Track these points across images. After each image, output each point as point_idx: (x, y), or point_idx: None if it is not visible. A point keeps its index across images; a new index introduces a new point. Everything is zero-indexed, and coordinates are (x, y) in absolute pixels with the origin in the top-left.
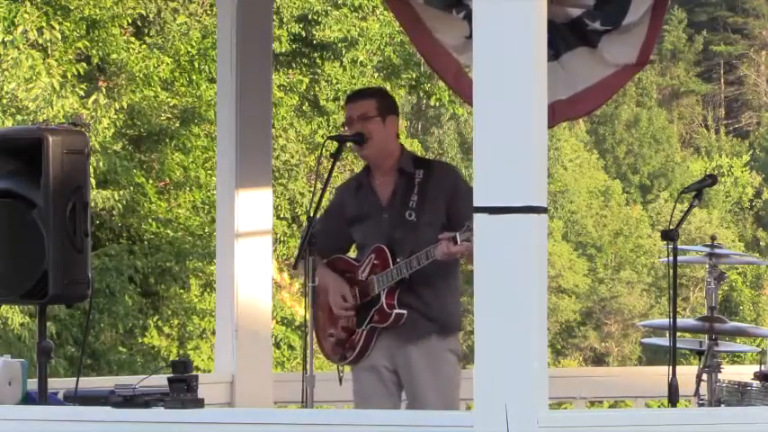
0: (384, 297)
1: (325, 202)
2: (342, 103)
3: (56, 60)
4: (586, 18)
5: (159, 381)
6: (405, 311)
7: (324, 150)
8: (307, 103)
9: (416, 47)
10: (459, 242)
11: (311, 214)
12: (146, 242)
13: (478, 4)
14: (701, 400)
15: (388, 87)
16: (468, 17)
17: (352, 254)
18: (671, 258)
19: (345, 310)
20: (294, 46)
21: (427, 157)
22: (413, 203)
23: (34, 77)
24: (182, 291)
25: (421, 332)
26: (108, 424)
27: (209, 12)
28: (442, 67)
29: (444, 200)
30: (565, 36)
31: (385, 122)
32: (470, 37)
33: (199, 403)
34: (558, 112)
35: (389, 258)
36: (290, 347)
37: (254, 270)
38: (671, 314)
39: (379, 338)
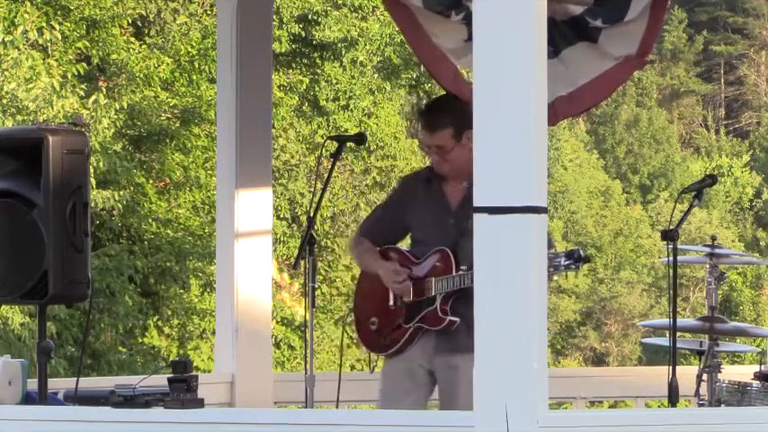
0: (439, 301)
1: (326, 202)
2: (342, 103)
3: (56, 60)
4: (588, 16)
5: (159, 381)
6: (457, 319)
7: (324, 150)
8: (307, 103)
9: (414, 51)
10: None
11: (311, 214)
12: (146, 242)
13: (478, 3)
14: (701, 400)
15: (388, 87)
16: (467, 19)
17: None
18: (671, 258)
19: (402, 280)
20: (294, 46)
21: None
22: None
23: (34, 77)
24: (182, 291)
25: (467, 342)
26: (108, 424)
27: (209, 12)
28: (440, 72)
29: None
30: (564, 33)
31: (461, 141)
32: (469, 40)
33: (199, 403)
34: (560, 110)
35: (453, 264)
36: (290, 347)
37: (254, 270)
38: (671, 314)
39: (422, 338)
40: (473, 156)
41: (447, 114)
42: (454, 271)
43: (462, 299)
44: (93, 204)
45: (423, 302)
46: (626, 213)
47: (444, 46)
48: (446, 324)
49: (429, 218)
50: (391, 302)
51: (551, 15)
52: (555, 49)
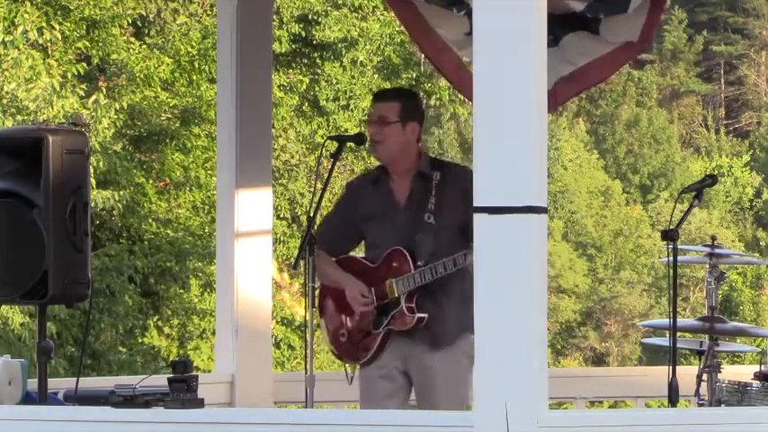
0: (404, 301)
1: (326, 202)
2: (342, 103)
3: (56, 60)
4: (588, 13)
5: (159, 381)
6: (425, 315)
7: (324, 150)
8: (307, 103)
9: (416, 43)
10: None
11: (311, 214)
12: (146, 242)
13: (479, 3)
14: (701, 400)
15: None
16: (469, 15)
17: (360, 252)
18: (671, 258)
19: (366, 305)
20: (294, 46)
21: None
22: (431, 206)
23: (34, 77)
24: (182, 291)
25: (437, 338)
26: (108, 424)
27: (209, 12)
28: (443, 63)
29: (462, 204)
30: (564, 25)
31: (405, 128)
32: (471, 33)
33: (199, 403)
34: (561, 93)
35: (410, 262)
36: (290, 347)
37: (254, 270)
38: (671, 314)
39: (393, 341)
40: (474, 158)
41: (401, 96)
42: (412, 268)
43: (427, 295)
44: (93, 204)
45: (388, 305)
46: (626, 213)
47: (446, 37)
48: (415, 322)
49: (379, 218)
50: (357, 311)
51: (550, 11)
52: (555, 37)
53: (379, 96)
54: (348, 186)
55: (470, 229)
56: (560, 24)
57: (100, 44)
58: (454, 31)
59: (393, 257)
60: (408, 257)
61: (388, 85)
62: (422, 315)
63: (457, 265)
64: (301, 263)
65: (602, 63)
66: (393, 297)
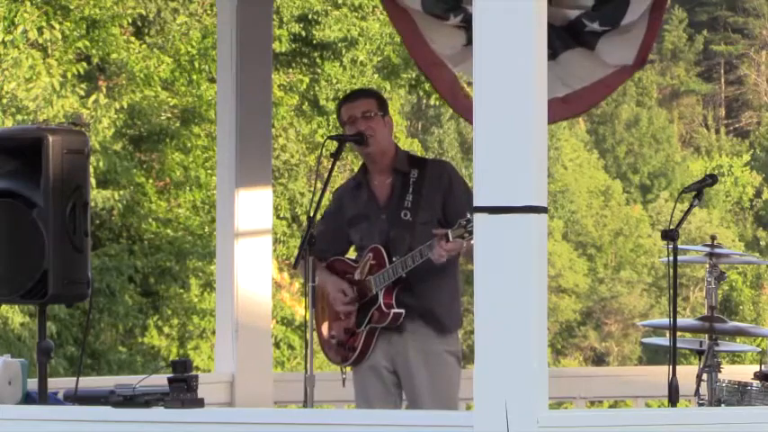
0: (382, 296)
1: (325, 203)
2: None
3: (56, 60)
4: (585, 19)
5: (159, 381)
6: (402, 310)
7: (324, 150)
8: (307, 103)
9: (413, 55)
10: (451, 239)
11: (311, 214)
12: (146, 242)
13: (479, 4)
14: (701, 400)
15: (388, 87)
16: (466, 22)
17: (352, 255)
18: (671, 258)
19: (346, 304)
20: (294, 46)
21: (426, 156)
22: (408, 203)
23: (34, 77)
24: (182, 291)
25: (419, 331)
26: (108, 424)
27: (209, 12)
28: (437, 78)
29: (440, 198)
30: (562, 37)
31: (385, 120)
32: (467, 45)
33: (199, 403)
34: (556, 112)
35: (386, 258)
36: (290, 347)
37: (254, 270)
38: (671, 314)
39: (380, 338)
40: (474, 158)
41: (371, 93)
42: (388, 264)
43: (406, 288)
44: (93, 204)
45: (368, 303)
46: (626, 213)
47: (442, 52)
48: (391, 318)
49: (363, 220)
50: (338, 310)
51: (549, 21)
52: (553, 51)
53: (352, 97)
54: (334, 194)
55: (449, 222)
56: (559, 38)
57: (100, 44)
58: (450, 45)
59: (372, 255)
60: (384, 254)
61: (388, 85)
62: (398, 310)
63: (423, 256)
64: (301, 262)
65: (597, 88)
66: (372, 294)
